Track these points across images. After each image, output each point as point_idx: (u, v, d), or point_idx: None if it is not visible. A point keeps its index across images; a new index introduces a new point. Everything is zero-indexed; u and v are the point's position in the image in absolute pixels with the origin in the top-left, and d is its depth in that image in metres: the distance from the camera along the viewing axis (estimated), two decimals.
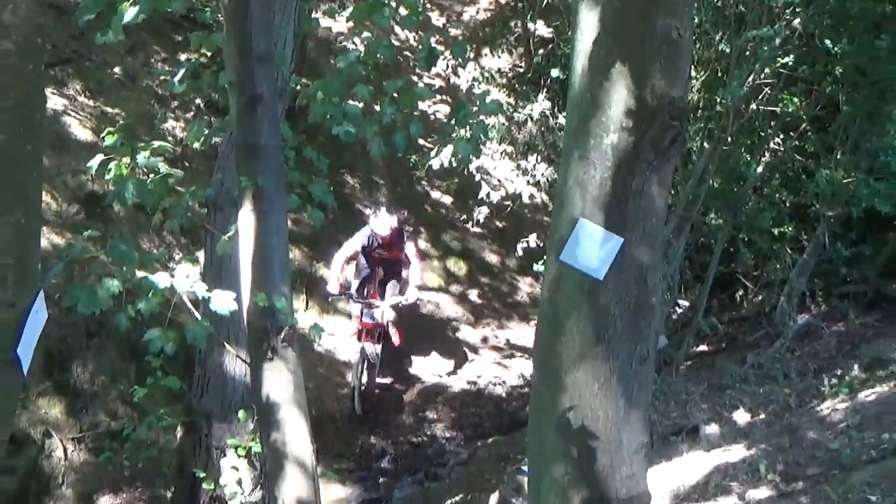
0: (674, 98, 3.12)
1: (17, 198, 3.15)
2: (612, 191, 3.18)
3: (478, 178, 13.98)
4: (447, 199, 15.00)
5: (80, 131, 11.80)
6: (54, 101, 11.90)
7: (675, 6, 3.16)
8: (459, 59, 14.03)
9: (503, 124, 14.39)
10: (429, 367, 12.60)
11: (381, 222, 11.16)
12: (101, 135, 6.19)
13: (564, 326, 3.30)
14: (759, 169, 11.59)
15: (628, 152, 3.15)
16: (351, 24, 8.48)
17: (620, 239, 3.19)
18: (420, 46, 8.03)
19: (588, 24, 3.23)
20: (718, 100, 10.53)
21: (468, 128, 7.44)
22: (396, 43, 11.66)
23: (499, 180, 14.54)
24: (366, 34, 7.70)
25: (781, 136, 11.96)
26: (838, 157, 10.87)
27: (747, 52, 10.44)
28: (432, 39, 7.99)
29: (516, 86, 15.62)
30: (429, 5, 17.12)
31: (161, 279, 5.42)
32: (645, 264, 3.27)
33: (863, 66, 10.32)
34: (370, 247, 11.43)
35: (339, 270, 11.40)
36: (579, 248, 3.23)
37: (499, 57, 16.47)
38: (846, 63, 10.73)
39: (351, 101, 6.96)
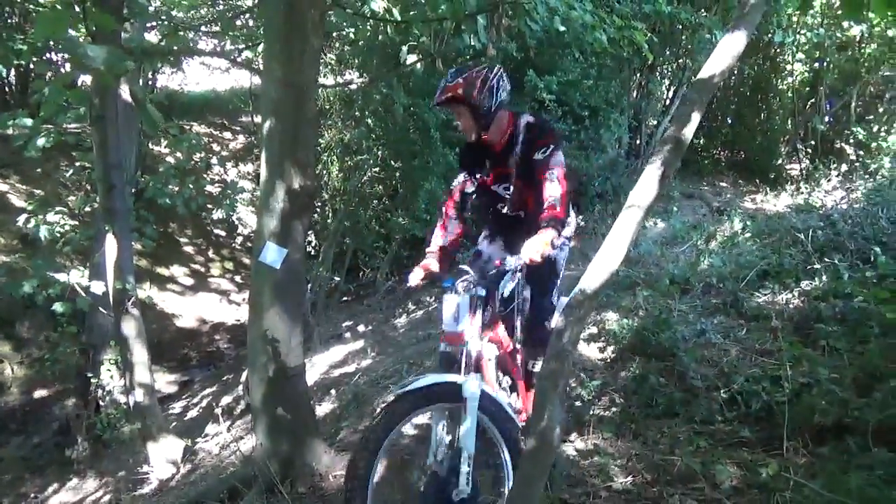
0: (308, 186, 3.08)
1: None
2: (280, 228, 3.10)
3: (237, 223, 13.36)
4: (223, 232, 14.20)
5: (18, 202, 10.20)
6: (2, 186, 10.33)
7: (307, 144, 3.14)
8: (226, 166, 13.40)
9: (251, 198, 13.79)
10: (218, 312, 11.82)
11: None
12: (27, 203, 5.48)
13: (263, 291, 3.17)
14: (370, 217, 11.15)
15: (287, 211, 3.07)
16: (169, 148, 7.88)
17: (285, 250, 3.11)
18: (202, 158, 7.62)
19: (266, 150, 3.13)
20: (347, 186, 10.34)
21: (229, 199, 7.20)
22: (195, 158, 10.79)
23: (247, 223, 13.95)
24: (177, 154, 7.16)
25: (376, 202, 10.83)
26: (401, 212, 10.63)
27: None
28: (213, 159, 7.59)
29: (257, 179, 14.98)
30: (211, 140, 16.16)
31: (62, 277, 5.22)
32: (297, 261, 3.19)
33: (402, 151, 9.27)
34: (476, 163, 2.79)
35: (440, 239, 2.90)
36: (267, 254, 3.11)
37: (246, 165, 15.81)
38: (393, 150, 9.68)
39: (169, 186, 6.53)
